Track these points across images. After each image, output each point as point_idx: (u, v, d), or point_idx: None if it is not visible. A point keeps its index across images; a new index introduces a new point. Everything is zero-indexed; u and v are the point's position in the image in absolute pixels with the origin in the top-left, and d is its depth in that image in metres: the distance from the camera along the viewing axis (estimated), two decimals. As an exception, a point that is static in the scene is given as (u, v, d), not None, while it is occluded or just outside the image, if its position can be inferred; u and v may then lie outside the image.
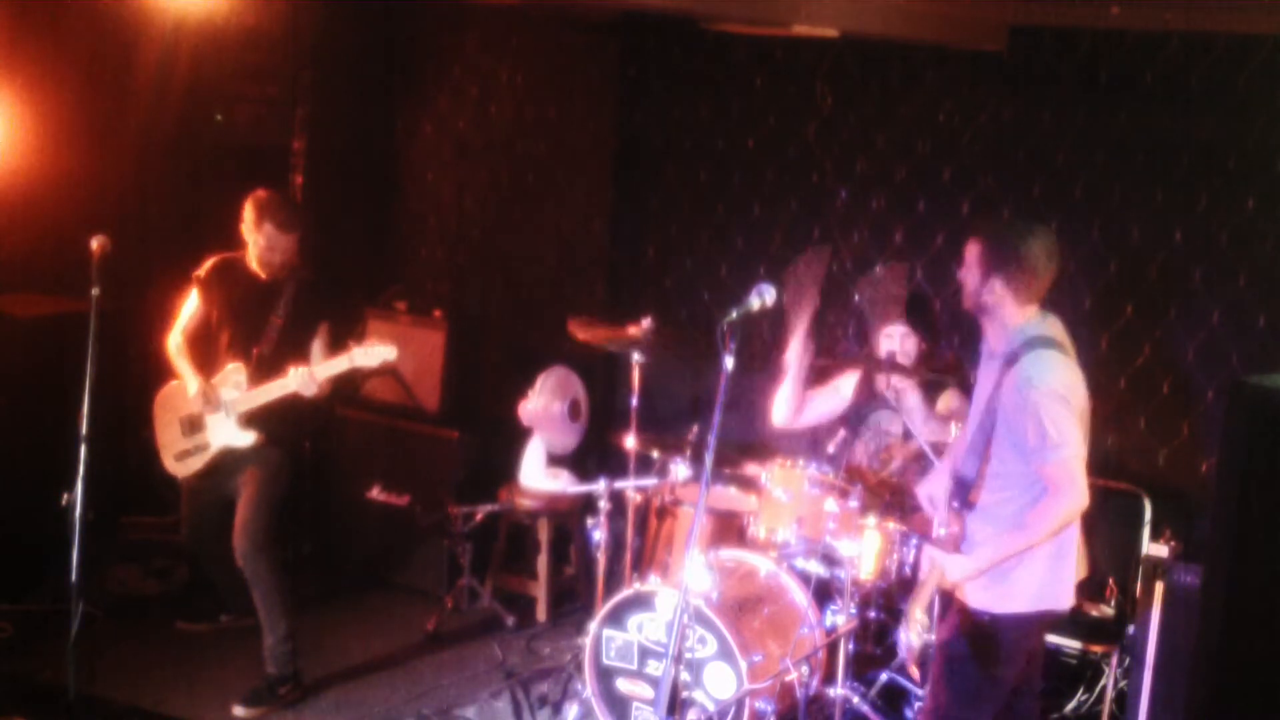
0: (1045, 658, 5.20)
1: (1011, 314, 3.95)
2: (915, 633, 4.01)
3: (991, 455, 3.96)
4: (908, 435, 5.17)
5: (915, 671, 4.60)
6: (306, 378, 5.08)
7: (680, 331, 5.61)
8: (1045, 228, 4.06)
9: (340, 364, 5.09)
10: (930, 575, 4.04)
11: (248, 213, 5.17)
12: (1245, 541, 3.29)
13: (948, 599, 4.31)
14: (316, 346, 5.25)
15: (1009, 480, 3.93)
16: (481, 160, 7.03)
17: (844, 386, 5.54)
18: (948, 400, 5.35)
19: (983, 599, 3.97)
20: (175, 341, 5.37)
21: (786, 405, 5.41)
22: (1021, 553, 3.89)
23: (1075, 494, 3.80)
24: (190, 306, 5.39)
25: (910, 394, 5.22)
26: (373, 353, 5.06)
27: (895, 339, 5.28)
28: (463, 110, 7.04)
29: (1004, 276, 3.91)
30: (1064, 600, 4.05)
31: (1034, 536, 3.86)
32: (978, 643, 3.99)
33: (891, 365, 5.14)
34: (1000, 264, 3.92)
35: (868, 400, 5.44)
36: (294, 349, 5.20)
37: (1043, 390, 3.80)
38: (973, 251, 3.99)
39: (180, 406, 5.39)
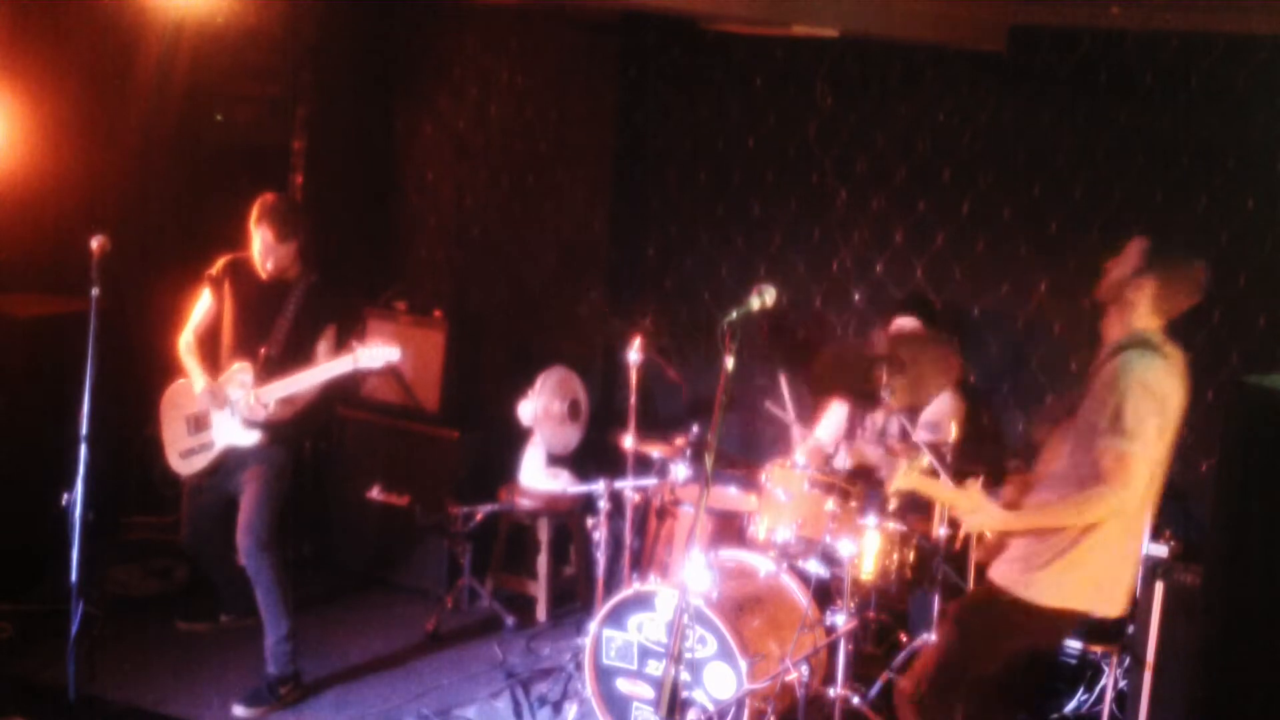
0: (1046, 658, 5.22)
1: (1141, 316, 3.97)
2: (902, 479, 4.16)
3: (1067, 447, 3.97)
4: (904, 435, 5.17)
5: (893, 503, 4.78)
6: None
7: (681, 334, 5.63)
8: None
9: (344, 364, 5.09)
10: (962, 493, 4.07)
11: (253, 212, 5.18)
12: (1245, 541, 3.29)
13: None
14: (322, 349, 5.25)
15: (1070, 477, 3.92)
16: (481, 160, 7.03)
17: (836, 411, 5.57)
18: (942, 401, 5.36)
19: (1008, 576, 3.98)
20: (186, 340, 5.38)
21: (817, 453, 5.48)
22: (1063, 543, 3.87)
23: (1126, 490, 3.79)
24: (203, 305, 5.39)
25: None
26: (376, 354, 5.05)
27: (905, 333, 5.33)
28: (463, 110, 7.05)
29: (1158, 278, 3.94)
30: (1094, 604, 4.02)
31: (1068, 517, 3.87)
32: (989, 617, 4.02)
33: (889, 359, 5.13)
34: (1161, 266, 3.95)
35: (865, 403, 5.45)
36: (300, 350, 5.20)
37: (1136, 379, 3.81)
38: (1137, 246, 4.01)
39: (186, 405, 5.39)
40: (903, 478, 4.19)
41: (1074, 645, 5.15)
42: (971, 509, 4.03)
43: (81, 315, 4.60)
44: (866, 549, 4.83)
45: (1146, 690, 4.79)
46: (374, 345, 5.07)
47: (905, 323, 5.38)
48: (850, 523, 4.82)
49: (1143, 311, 3.97)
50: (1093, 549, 3.92)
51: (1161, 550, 4.88)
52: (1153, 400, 3.83)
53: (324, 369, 5.12)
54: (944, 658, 4.10)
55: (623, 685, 4.88)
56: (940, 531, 4.88)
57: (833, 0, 5.03)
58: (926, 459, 4.47)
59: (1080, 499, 3.85)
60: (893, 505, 4.83)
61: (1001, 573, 4.01)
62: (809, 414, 5.78)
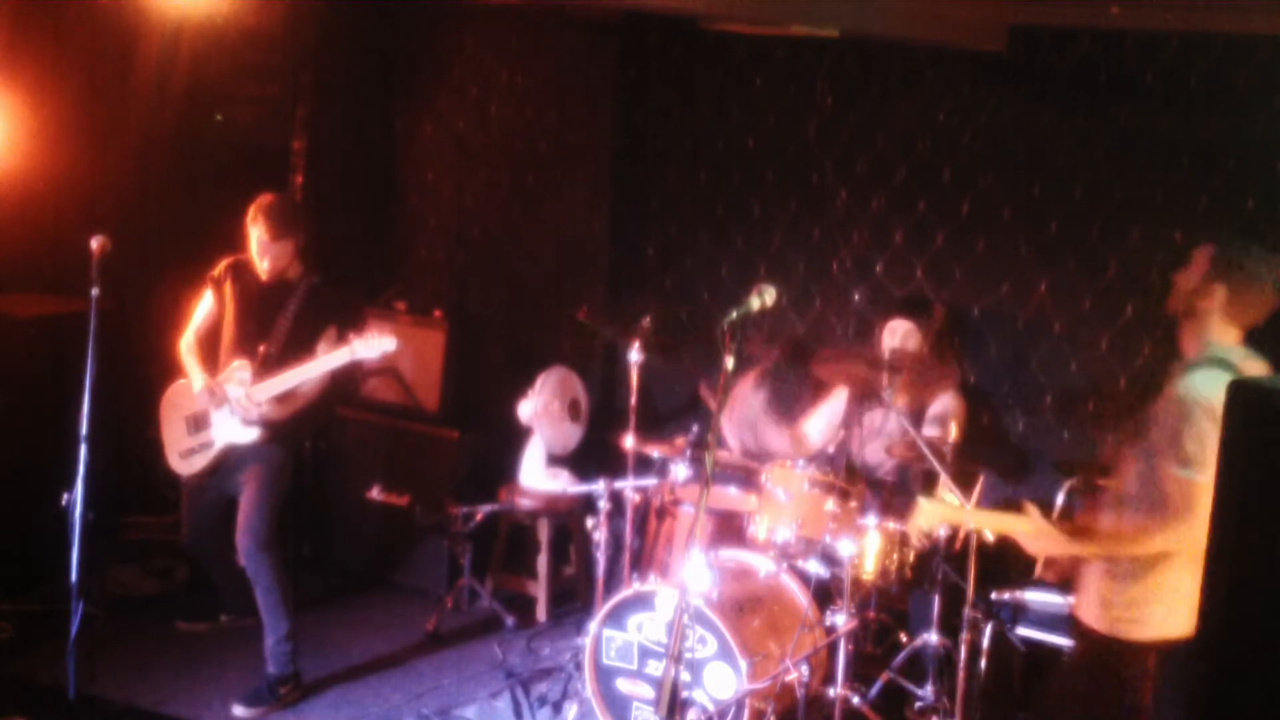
0: (1045, 658, 5.21)
1: (1215, 327, 3.76)
2: (927, 517, 4.01)
3: (1137, 469, 3.77)
4: (905, 434, 5.17)
5: (918, 543, 4.71)
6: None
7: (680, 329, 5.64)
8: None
9: (341, 356, 5.09)
10: (1018, 518, 3.89)
11: (249, 212, 5.19)
12: (1245, 541, 3.28)
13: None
14: (321, 349, 5.25)
15: (1139, 502, 3.74)
16: (481, 160, 7.03)
17: (836, 400, 5.57)
18: (944, 401, 5.37)
19: (1101, 620, 3.80)
20: (187, 341, 5.39)
21: (791, 445, 5.46)
22: (1138, 574, 3.69)
23: (1188, 521, 3.52)
24: (204, 307, 5.40)
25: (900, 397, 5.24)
26: (373, 344, 5.06)
27: (898, 335, 5.34)
28: (463, 110, 7.04)
29: (1228, 285, 3.73)
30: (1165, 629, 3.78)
31: (1130, 547, 3.69)
32: (1095, 664, 3.86)
33: (888, 364, 5.15)
34: (1229, 271, 3.74)
35: (865, 400, 5.45)
36: (299, 349, 5.20)
37: (1201, 404, 3.56)
38: (1203, 253, 3.81)
39: (186, 405, 5.39)
40: (928, 515, 4.04)
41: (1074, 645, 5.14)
42: (1033, 534, 3.85)
43: (81, 315, 4.60)
44: (866, 549, 4.83)
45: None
46: (370, 336, 5.07)
47: (899, 325, 5.37)
48: (850, 523, 4.82)
49: (1216, 323, 3.75)
50: (1179, 579, 3.66)
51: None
52: (1216, 425, 3.41)
53: (320, 362, 5.13)
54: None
55: (623, 685, 4.88)
56: (940, 532, 4.88)
57: (833, 0, 5.02)
58: (951, 494, 4.29)
59: (1141, 529, 3.66)
60: (919, 544, 4.77)
61: (1094, 616, 3.83)
62: (801, 409, 5.77)
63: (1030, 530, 3.86)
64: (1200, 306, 3.78)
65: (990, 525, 4.16)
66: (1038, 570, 4.94)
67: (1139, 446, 3.78)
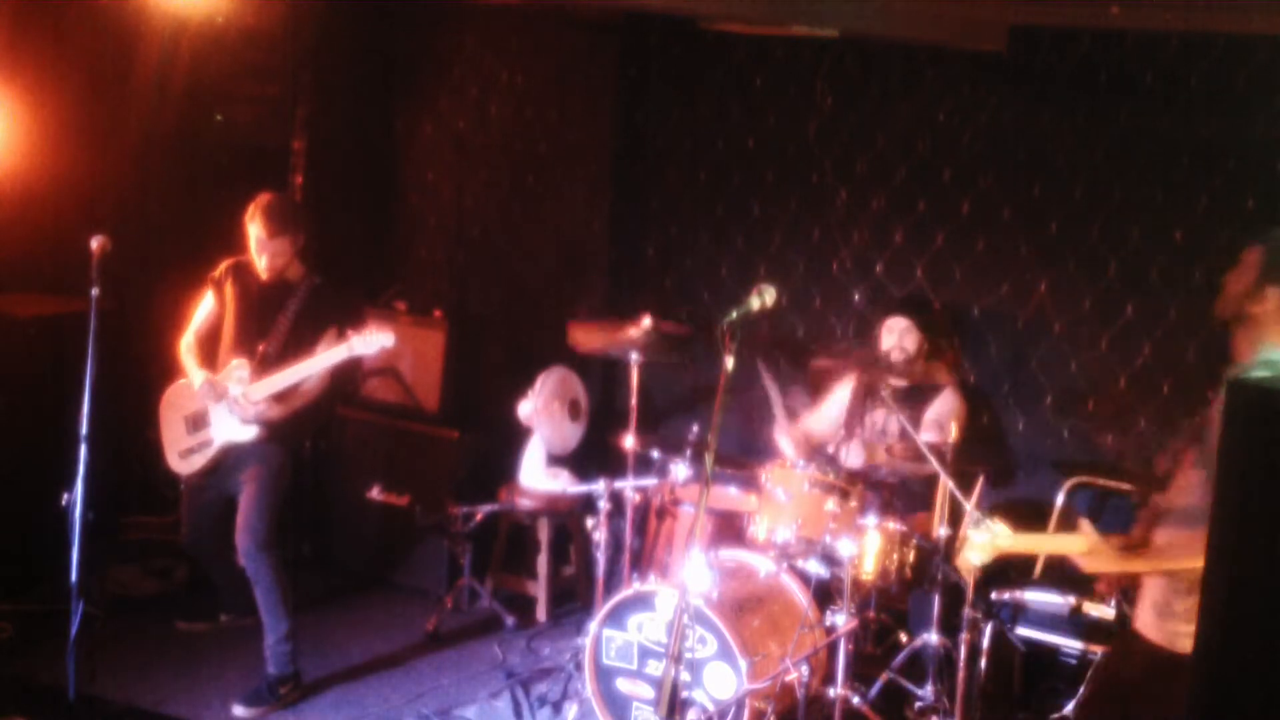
0: (1045, 658, 5.23)
1: (1269, 332, 3.63)
2: (981, 551, 3.85)
3: (1190, 480, 3.68)
4: (904, 434, 5.17)
5: (969, 579, 4.59)
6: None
7: (679, 327, 5.63)
8: None
9: (339, 353, 5.09)
10: (1071, 538, 3.82)
11: (248, 210, 5.19)
12: (1245, 541, 3.28)
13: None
14: (321, 349, 5.24)
15: (1202, 513, 3.65)
16: (481, 160, 7.03)
17: (840, 395, 5.57)
18: (943, 401, 5.37)
19: (1163, 631, 3.70)
20: (186, 341, 5.39)
21: (789, 441, 5.45)
22: (1195, 584, 3.45)
23: None
24: (205, 308, 5.40)
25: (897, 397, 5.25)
26: (370, 340, 5.05)
27: (896, 333, 5.35)
28: (463, 110, 7.05)
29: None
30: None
31: (1192, 559, 3.46)
32: (1148, 677, 3.74)
33: (887, 364, 5.15)
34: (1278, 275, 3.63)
35: (865, 400, 5.46)
36: (299, 349, 5.20)
37: None
38: (1253, 255, 3.70)
39: (185, 404, 5.39)
40: (981, 549, 3.91)
41: (1074, 645, 5.15)
42: (1088, 553, 3.77)
43: (81, 315, 4.60)
44: (866, 549, 4.83)
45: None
46: (369, 332, 5.07)
47: (897, 323, 5.39)
48: (850, 523, 4.82)
49: (1270, 327, 3.62)
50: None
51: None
52: None
53: (319, 359, 5.12)
54: None
55: (623, 685, 4.88)
56: (940, 531, 4.88)
57: (833, 0, 5.02)
58: (998, 524, 4.22)
59: (1203, 539, 3.64)
60: (972, 577, 4.73)
61: (1150, 627, 3.74)
62: (800, 407, 5.77)
63: (1085, 549, 3.77)
64: (1252, 311, 3.66)
65: (1044, 549, 4.05)
66: (1038, 570, 4.93)
67: (1196, 455, 3.69)
